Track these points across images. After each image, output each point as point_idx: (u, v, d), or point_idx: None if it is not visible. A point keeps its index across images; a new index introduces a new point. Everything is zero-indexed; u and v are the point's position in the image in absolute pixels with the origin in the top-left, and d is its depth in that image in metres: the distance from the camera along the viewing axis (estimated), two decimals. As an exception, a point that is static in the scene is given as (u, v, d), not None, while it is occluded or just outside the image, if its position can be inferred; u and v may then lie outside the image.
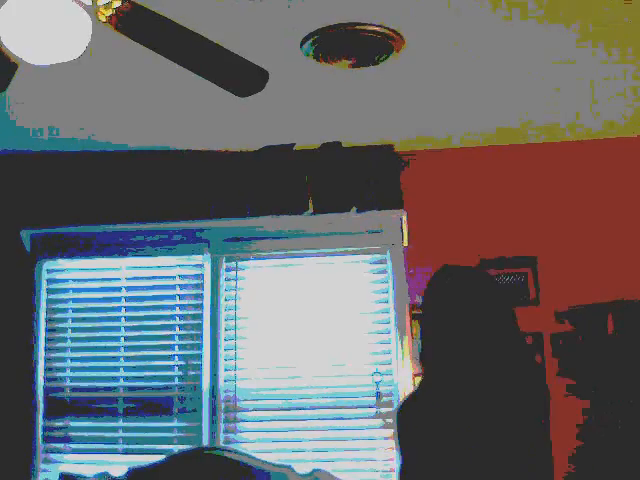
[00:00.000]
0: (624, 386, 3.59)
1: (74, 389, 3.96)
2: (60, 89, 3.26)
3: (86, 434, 3.90)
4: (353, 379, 3.79)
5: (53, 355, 4.00)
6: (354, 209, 3.89)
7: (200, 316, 3.94)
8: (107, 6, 2.05)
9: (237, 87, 2.44)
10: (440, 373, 2.15)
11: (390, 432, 3.68)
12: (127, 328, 4.00)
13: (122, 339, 3.99)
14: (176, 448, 3.76)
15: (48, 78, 3.08)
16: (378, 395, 3.71)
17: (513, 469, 2.01)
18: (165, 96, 3.35)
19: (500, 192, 3.90)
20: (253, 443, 3.78)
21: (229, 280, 3.98)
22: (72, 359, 4.00)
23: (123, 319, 4.01)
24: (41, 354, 3.96)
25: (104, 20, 2.09)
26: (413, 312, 3.77)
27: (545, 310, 3.73)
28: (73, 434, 3.91)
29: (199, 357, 3.90)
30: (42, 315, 4.00)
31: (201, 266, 4.00)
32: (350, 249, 3.91)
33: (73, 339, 4.02)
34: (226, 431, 3.82)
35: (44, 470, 3.86)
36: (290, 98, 3.38)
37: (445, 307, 2.20)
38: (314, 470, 3.50)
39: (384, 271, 3.89)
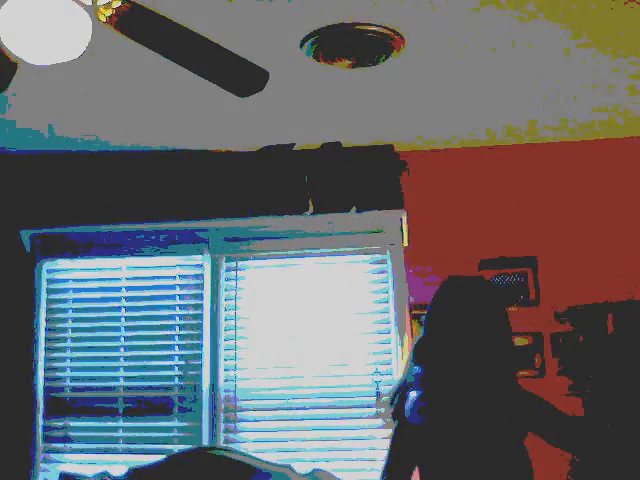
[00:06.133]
0: (624, 386, 3.60)
1: (74, 389, 3.97)
2: (60, 89, 3.26)
3: (86, 434, 3.90)
4: (353, 379, 3.80)
5: (53, 355, 4.00)
6: (354, 209, 3.90)
7: (200, 316, 3.94)
8: (107, 6, 2.05)
9: (237, 87, 2.44)
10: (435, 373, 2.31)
11: (389, 432, 3.68)
12: (127, 328, 4.00)
13: (122, 339, 3.99)
14: (176, 448, 3.76)
15: (48, 78, 3.09)
16: (378, 395, 3.71)
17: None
18: (165, 96, 3.35)
19: (500, 192, 3.90)
20: (253, 443, 3.78)
21: (229, 280, 3.98)
22: (72, 359, 4.01)
23: (123, 319, 4.01)
24: (41, 354, 3.96)
25: (104, 20, 2.09)
26: (413, 312, 3.77)
27: (545, 310, 3.73)
28: (73, 434, 3.91)
29: (199, 357, 3.90)
30: (42, 315, 4.01)
31: (201, 266, 4.00)
32: (350, 249, 3.91)
33: (73, 339, 4.02)
34: (226, 431, 3.82)
35: (44, 470, 3.86)
36: (290, 98, 3.38)
37: (446, 317, 2.37)
38: (314, 470, 3.50)
39: (384, 271, 3.89)
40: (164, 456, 3.60)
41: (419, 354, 2.38)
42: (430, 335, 2.37)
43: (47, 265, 4.08)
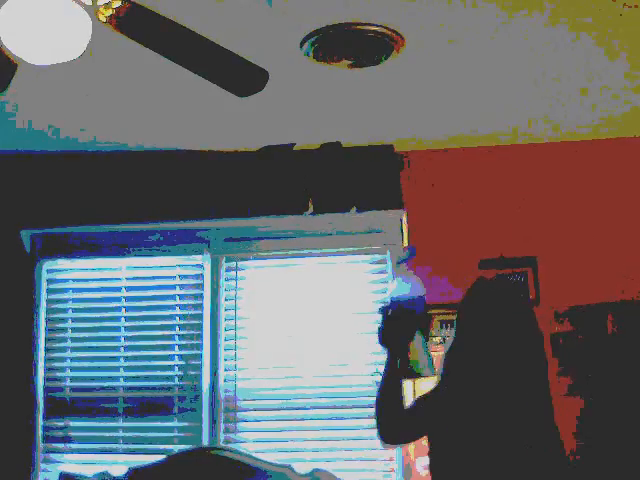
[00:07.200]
0: (624, 386, 3.60)
1: (74, 389, 3.97)
2: (60, 89, 3.25)
3: (86, 434, 3.91)
4: (353, 379, 3.80)
5: (53, 355, 4.00)
6: (354, 209, 3.89)
7: (200, 316, 3.95)
8: (107, 6, 2.05)
9: (237, 87, 2.43)
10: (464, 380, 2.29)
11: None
12: (127, 328, 4.00)
13: (122, 339, 3.99)
14: (176, 448, 3.76)
15: (48, 78, 3.08)
16: (378, 395, 3.71)
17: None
18: (165, 96, 3.35)
19: (500, 192, 3.90)
20: (253, 443, 3.79)
21: (229, 280, 3.98)
22: (72, 359, 4.01)
23: (123, 319, 4.02)
24: (41, 354, 3.97)
25: (104, 20, 2.09)
26: (413, 312, 3.77)
27: (545, 310, 3.72)
28: (73, 434, 3.91)
29: (199, 357, 3.90)
30: (42, 315, 4.01)
31: (201, 266, 4.00)
32: (350, 249, 3.92)
33: (73, 339, 4.02)
34: (226, 431, 3.82)
35: (44, 470, 3.86)
36: (290, 98, 3.38)
37: (479, 321, 2.34)
38: (314, 470, 3.50)
39: (384, 271, 3.89)
40: (164, 456, 3.61)
41: (449, 359, 2.36)
42: (462, 339, 2.35)
43: (47, 265, 4.08)
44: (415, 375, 2.49)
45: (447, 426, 2.28)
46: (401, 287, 2.40)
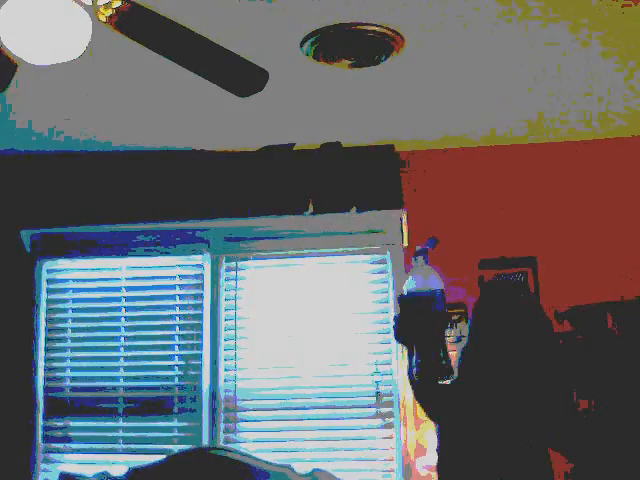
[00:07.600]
0: (624, 386, 3.60)
1: (74, 389, 3.97)
2: (60, 89, 3.26)
3: (86, 434, 3.90)
4: (353, 379, 3.80)
5: (53, 355, 4.00)
6: (354, 209, 3.90)
7: (200, 316, 3.94)
8: (107, 6, 2.05)
9: (237, 87, 2.43)
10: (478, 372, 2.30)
11: (389, 432, 3.69)
12: (127, 328, 4.00)
13: (122, 339, 3.99)
14: (176, 448, 3.76)
15: (48, 78, 3.09)
16: (378, 395, 3.71)
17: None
18: (165, 96, 3.35)
19: (500, 192, 3.90)
20: (253, 443, 3.79)
21: (229, 280, 3.98)
22: (72, 359, 4.01)
23: (123, 319, 4.02)
24: (41, 354, 3.96)
25: (104, 20, 2.09)
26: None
27: (545, 310, 3.72)
28: (73, 434, 3.91)
29: (199, 357, 3.90)
30: (42, 315, 4.01)
31: (201, 266, 4.00)
32: (350, 249, 3.92)
33: (73, 339, 4.02)
34: (226, 431, 3.82)
35: (44, 470, 3.86)
36: (290, 98, 3.38)
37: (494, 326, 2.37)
38: (314, 470, 3.50)
39: (384, 271, 3.89)
40: (164, 456, 3.60)
41: (465, 363, 2.35)
42: (477, 343, 2.35)
43: (47, 265, 4.08)
44: (451, 372, 2.36)
45: (460, 420, 2.29)
46: (419, 281, 2.36)
